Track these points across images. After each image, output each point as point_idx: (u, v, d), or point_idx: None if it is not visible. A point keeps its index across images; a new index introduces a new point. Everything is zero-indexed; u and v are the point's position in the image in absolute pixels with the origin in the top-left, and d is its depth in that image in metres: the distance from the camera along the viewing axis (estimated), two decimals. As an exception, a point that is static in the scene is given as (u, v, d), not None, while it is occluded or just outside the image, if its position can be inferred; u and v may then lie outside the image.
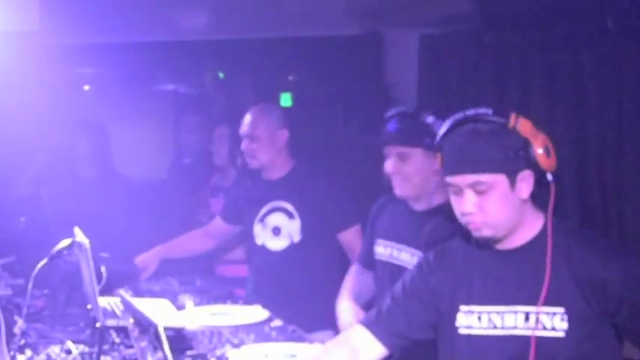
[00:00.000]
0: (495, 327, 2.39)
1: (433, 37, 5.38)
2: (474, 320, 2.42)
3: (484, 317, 2.41)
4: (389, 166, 3.14)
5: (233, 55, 6.32)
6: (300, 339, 3.23)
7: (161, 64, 6.47)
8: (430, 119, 3.06)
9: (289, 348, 3.07)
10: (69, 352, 3.04)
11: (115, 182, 4.88)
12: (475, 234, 2.40)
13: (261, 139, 4.07)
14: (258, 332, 3.32)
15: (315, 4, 5.62)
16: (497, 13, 4.65)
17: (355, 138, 5.78)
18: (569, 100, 4.54)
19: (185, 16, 5.55)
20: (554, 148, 2.36)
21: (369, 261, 3.44)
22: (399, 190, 3.17)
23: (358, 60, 5.91)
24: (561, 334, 2.29)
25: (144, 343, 2.30)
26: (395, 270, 3.22)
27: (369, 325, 2.59)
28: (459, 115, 2.40)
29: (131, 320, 2.50)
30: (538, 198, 2.41)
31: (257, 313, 3.52)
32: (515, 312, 2.36)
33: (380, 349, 2.55)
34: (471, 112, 2.39)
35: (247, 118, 4.13)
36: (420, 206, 3.18)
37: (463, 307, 2.45)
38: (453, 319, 2.46)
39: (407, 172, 3.11)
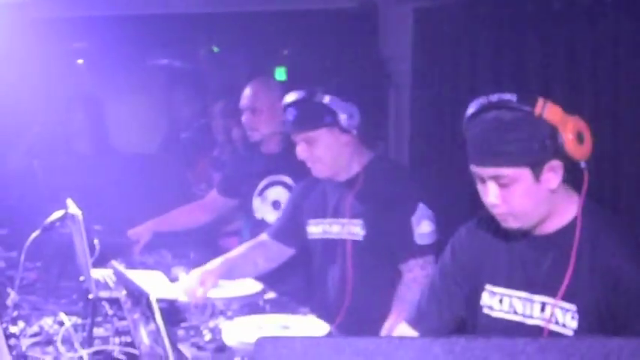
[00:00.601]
0: (515, 312, 2.33)
1: (427, 10, 5.36)
2: (496, 302, 2.37)
3: (505, 300, 2.35)
4: (299, 152, 3.22)
5: (227, 29, 6.29)
6: (293, 311, 3.23)
7: (155, 38, 6.43)
8: (326, 98, 3.11)
9: (282, 319, 3.07)
10: (62, 323, 3.03)
11: (109, 156, 4.86)
12: (503, 224, 2.30)
13: (263, 112, 4.06)
14: (252, 304, 3.33)
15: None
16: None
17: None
18: (564, 74, 4.52)
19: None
20: (589, 132, 2.21)
21: (279, 234, 3.52)
22: (316, 172, 3.27)
23: (353, 34, 5.88)
24: (570, 332, 2.20)
25: (136, 315, 2.29)
26: (329, 244, 3.35)
27: (414, 324, 2.57)
28: (482, 101, 2.23)
29: (124, 292, 2.50)
30: (573, 181, 2.28)
31: (250, 285, 3.51)
32: (533, 301, 2.29)
33: None
34: (494, 97, 2.21)
35: (248, 91, 4.11)
36: (341, 178, 3.28)
37: (488, 287, 2.40)
38: (479, 297, 2.42)
39: (317, 154, 3.20)
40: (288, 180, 3.96)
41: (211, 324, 3.02)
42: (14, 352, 2.84)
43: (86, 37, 6.54)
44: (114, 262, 2.59)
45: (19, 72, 5.50)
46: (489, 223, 2.41)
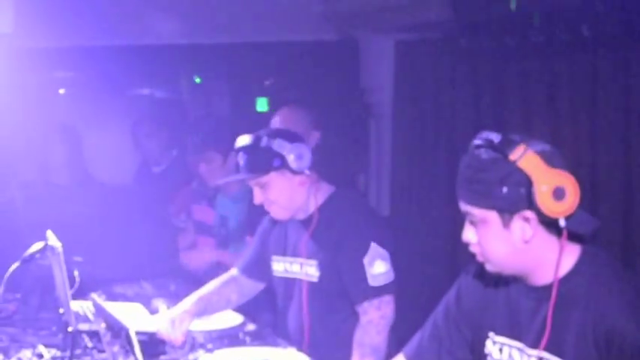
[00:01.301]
0: None
1: (409, 43, 5.40)
2: (496, 351, 2.30)
3: (505, 350, 2.27)
4: (255, 197, 3.19)
5: (209, 60, 6.32)
6: (273, 343, 3.22)
7: (137, 68, 6.44)
8: (273, 142, 3.04)
9: (263, 353, 3.06)
10: (40, 356, 3.01)
11: (89, 187, 4.84)
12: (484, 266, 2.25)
13: None
14: (232, 337, 3.31)
15: (292, 10, 5.61)
16: (471, 19, 4.68)
17: (332, 142, 5.77)
18: (543, 106, 4.56)
19: (161, 20, 5.53)
20: (575, 189, 2.07)
21: (248, 270, 3.47)
22: (274, 215, 3.24)
23: (335, 65, 5.93)
24: None
25: (116, 348, 2.28)
26: (289, 283, 3.30)
27: (411, 356, 2.52)
28: (477, 138, 2.16)
29: (103, 325, 2.49)
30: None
31: (231, 318, 3.50)
32: (529, 355, 2.20)
33: None
34: (483, 135, 2.14)
35: (277, 118, 4.12)
36: (300, 217, 3.23)
37: (491, 334, 2.33)
38: (483, 344, 2.35)
39: (271, 198, 3.16)
40: None
41: (191, 357, 3.01)
42: (-8, 386, 2.83)
43: (68, 66, 6.55)
44: (93, 295, 2.58)
45: (1, 101, 5.48)
46: (488, 273, 2.29)
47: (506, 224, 2.09)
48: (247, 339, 3.29)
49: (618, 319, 2.02)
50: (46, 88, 6.78)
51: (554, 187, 2.04)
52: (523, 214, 2.08)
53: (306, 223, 3.21)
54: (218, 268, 3.96)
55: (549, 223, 2.08)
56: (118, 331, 2.09)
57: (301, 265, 3.22)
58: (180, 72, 6.75)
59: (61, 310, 3.15)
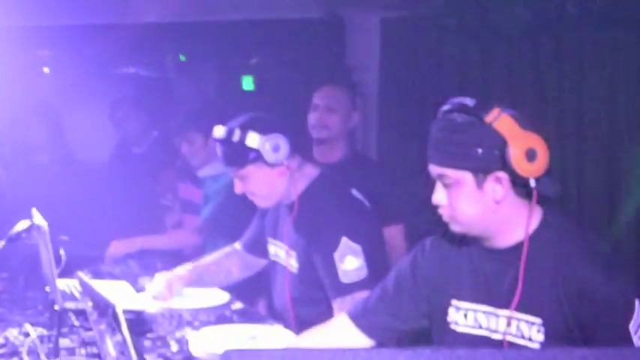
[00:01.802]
0: (480, 327, 2.30)
1: (394, 20, 5.39)
2: (461, 317, 2.34)
3: (470, 315, 2.32)
4: (235, 187, 3.15)
5: (195, 38, 6.28)
6: (260, 321, 3.23)
7: (122, 46, 6.40)
8: (247, 136, 3.00)
9: (249, 330, 3.06)
10: (27, 334, 3.00)
11: (71, 167, 4.83)
12: (450, 227, 2.28)
13: (336, 111, 4.09)
14: (219, 315, 3.32)
15: (278, -13, 5.61)
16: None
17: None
18: (528, 83, 4.57)
19: (146, -3, 5.51)
20: (545, 151, 2.15)
21: (250, 247, 3.45)
22: (257, 204, 3.21)
23: (321, 43, 5.91)
24: (536, 345, 2.16)
25: (102, 326, 2.28)
26: (277, 267, 3.27)
27: (354, 316, 2.55)
28: (448, 103, 2.23)
29: (90, 303, 2.48)
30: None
31: (218, 295, 3.50)
32: (497, 315, 2.25)
33: (366, 342, 2.51)
34: (456, 100, 2.21)
35: (324, 91, 4.16)
36: (286, 201, 3.18)
37: (454, 301, 2.36)
38: (445, 312, 2.38)
39: (252, 189, 3.12)
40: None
41: (178, 334, 3.01)
42: (-21, 364, 2.83)
43: (52, 45, 6.51)
44: (80, 273, 2.57)
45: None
46: (452, 237, 2.36)
47: (479, 184, 2.17)
48: (234, 317, 3.30)
49: (588, 274, 2.10)
50: (30, 67, 6.75)
51: (526, 148, 2.11)
52: (496, 175, 2.14)
53: (290, 209, 3.15)
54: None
55: (519, 185, 2.15)
56: (104, 309, 2.09)
57: (286, 252, 3.17)
58: (165, 50, 6.70)
59: (48, 289, 3.16)
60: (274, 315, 3.27)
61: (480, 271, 2.31)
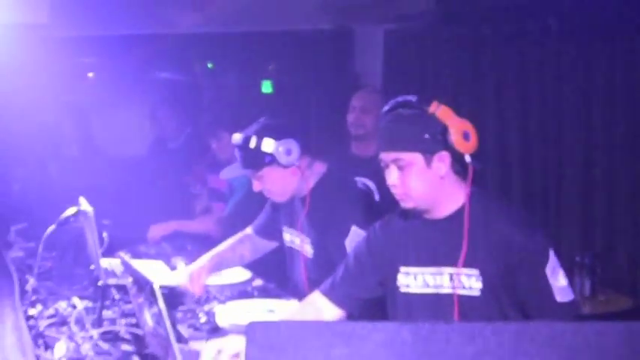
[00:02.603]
0: (428, 286, 2.41)
1: (396, 31, 5.37)
2: (411, 280, 2.45)
3: (419, 277, 2.43)
4: (254, 186, 3.14)
5: (220, 47, 6.28)
6: (277, 296, 3.23)
7: (156, 54, 6.41)
8: (262, 142, 2.97)
9: (268, 304, 3.07)
10: (75, 306, 3.01)
11: (112, 160, 4.84)
12: (401, 205, 2.40)
13: (371, 111, 4.11)
14: (242, 290, 3.32)
15: (293, 2, 5.58)
16: (452, 10, 4.66)
17: (328, 119, 5.76)
18: (513, 88, 4.57)
19: (178, 11, 5.50)
20: (475, 133, 2.32)
21: (262, 231, 3.42)
22: (274, 200, 3.20)
23: (331, 51, 5.90)
24: (477, 293, 2.32)
25: (141, 299, 2.28)
26: (294, 253, 3.25)
27: (325, 292, 2.60)
28: (390, 103, 2.37)
29: (130, 279, 2.49)
30: (464, 173, 2.37)
31: (240, 273, 3.50)
32: (442, 273, 2.38)
33: (337, 311, 2.57)
34: (399, 99, 2.35)
35: (360, 94, 4.23)
36: (300, 195, 3.16)
37: (402, 269, 2.47)
38: (395, 278, 2.48)
39: (268, 187, 3.10)
40: (371, 184, 3.57)
41: (206, 308, 3.02)
42: (33, 332, 2.83)
43: (95, 53, 6.52)
44: (121, 254, 2.57)
45: (39, 83, 5.47)
46: (398, 217, 2.51)
47: (428, 163, 2.30)
48: (255, 292, 3.30)
49: (510, 231, 2.29)
50: (76, 72, 6.76)
51: (463, 130, 2.29)
52: (440, 155, 2.30)
53: (303, 202, 3.14)
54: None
55: (457, 162, 2.32)
56: (143, 285, 2.09)
57: (301, 240, 3.16)
58: (194, 58, 6.70)
59: (92, 267, 3.16)
60: (291, 292, 3.27)
61: (424, 239, 2.43)
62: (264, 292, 3.30)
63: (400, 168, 2.31)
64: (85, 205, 3.00)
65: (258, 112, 3.24)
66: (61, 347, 2.61)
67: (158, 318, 2.06)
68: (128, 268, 2.50)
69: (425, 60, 5.13)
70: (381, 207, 3.14)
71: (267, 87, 6.53)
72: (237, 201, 4.12)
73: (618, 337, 1.44)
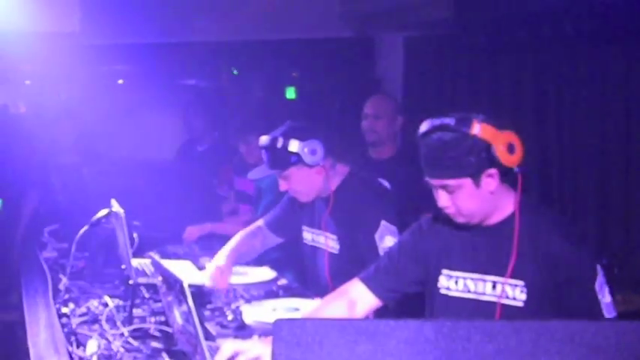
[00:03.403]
0: (469, 291, 2.37)
1: (416, 39, 5.36)
2: (452, 283, 2.41)
3: (460, 282, 2.39)
4: (280, 185, 3.15)
5: (245, 55, 6.30)
6: (301, 295, 3.23)
7: (184, 61, 6.44)
8: (289, 143, 2.99)
9: (293, 303, 3.06)
10: (106, 305, 3.03)
11: (142, 163, 4.85)
12: (454, 220, 2.36)
13: (382, 118, 4.16)
14: (267, 289, 3.32)
15: (315, 11, 5.59)
16: (470, 19, 4.64)
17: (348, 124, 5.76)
18: (531, 95, 4.54)
19: (205, 20, 5.53)
20: (519, 142, 2.24)
21: (274, 226, 3.44)
22: (299, 199, 3.21)
23: (352, 59, 5.90)
24: (520, 304, 2.27)
25: (170, 298, 2.29)
26: (318, 252, 3.26)
27: (366, 280, 2.56)
28: (426, 126, 2.28)
29: (159, 278, 2.49)
30: (511, 182, 2.32)
31: (266, 273, 3.51)
32: (485, 280, 2.33)
33: (374, 301, 2.53)
34: (437, 122, 2.26)
35: (371, 101, 4.24)
36: (323, 195, 3.18)
37: (445, 271, 2.43)
38: (436, 279, 2.45)
39: (294, 187, 3.13)
40: (387, 185, 3.55)
41: (233, 306, 3.02)
42: (65, 330, 2.85)
43: (125, 60, 6.56)
44: (152, 254, 2.57)
45: (71, 90, 5.51)
46: (445, 218, 2.42)
47: (477, 184, 2.24)
48: (280, 291, 3.30)
49: (560, 245, 2.22)
50: (107, 79, 6.80)
51: (507, 144, 2.21)
52: (488, 172, 2.23)
53: (326, 202, 3.16)
54: None
55: (505, 174, 2.25)
56: (172, 283, 2.10)
57: (325, 237, 3.17)
58: (220, 65, 6.72)
59: (123, 266, 3.18)
60: (314, 290, 3.27)
61: (470, 245, 2.38)
62: (288, 292, 3.30)
63: (450, 192, 2.26)
64: (116, 206, 3.02)
65: (283, 116, 3.25)
66: (92, 344, 2.62)
67: (187, 316, 2.07)
68: (158, 268, 2.50)
69: (444, 67, 5.12)
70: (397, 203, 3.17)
71: (290, 93, 6.54)
72: (266, 203, 4.12)
73: (636, 336, 1.43)
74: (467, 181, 2.23)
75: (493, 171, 2.23)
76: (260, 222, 3.48)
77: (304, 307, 2.97)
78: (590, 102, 4.18)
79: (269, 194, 4.13)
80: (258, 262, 3.65)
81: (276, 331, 1.45)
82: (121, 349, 2.58)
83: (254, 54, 6.22)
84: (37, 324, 3.26)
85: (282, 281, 3.43)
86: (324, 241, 3.18)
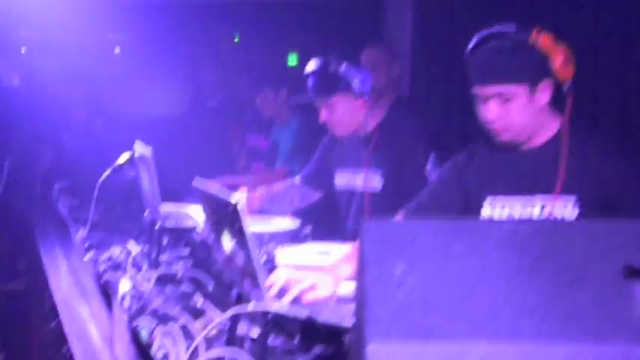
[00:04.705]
0: (515, 216, 2.32)
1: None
2: (497, 210, 2.36)
3: (506, 208, 2.34)
4: (320, 116, 3.07)
5: (246, 19, 6.16)
6: (331, 240, 3.12)
7: (184, 27, 6.29)
8: (340, 67, 2.93)
9: (323, 247, 2.96)
10: (129, 252, 2.91)
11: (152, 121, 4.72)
12: (497, 139, 2.30)
13: (380, 69, 4.01)
14: (294, 236, 3.21)
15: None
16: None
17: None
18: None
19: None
20: (573, 59, 2.21)
21: (309, 180, 3.36)
22: (336, 133, 3.13)
23: (357, 22, 5.76)
24: None
25: (218, 224, 2.10)
26: (353, 195, 3.18)
27: (411, 210, 2.55)
28: (484, 32, 2.24)
29: (205, 206, 2.26)
30: (556, 103, 2.29)
31: (289, 221, 3.40)
32: (533, 202, 2.28)
33: None
34: (495, 29, 2.21)
35: (366, 53, 4.10)
36: (361, 134, 3.12)
37: (489, 198, 2.38)
38: (479, 208, 2.40)
39: (336, 118, 3.04)
40: None
41: (263, 250, 2.91)
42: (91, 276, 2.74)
43: (122, 28, 6.42)
44: (195, 181, 2.34)
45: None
46: (484, 146, 2.42)
47: (532, 94, 2.20)
48: (308, 238, 3.19)
49: (609, 161, 2.19)
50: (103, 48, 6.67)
51: (564, 57, 2.18)
52: (544, 83, 2.21)
53: (367, 139, 3.09)
54: None
55: (557, 89, 2.22)
56: (221, 207, 1.94)
57: (364, 177, 3.08)
58: (221, 30, 6.57)
59: (146, 213, 3.04)
60: (344, 236, 3.17)
61: (514, 168, 2.34)
62: (316, 238, 3.19)
63: (503, 102, 2.21)
64: (140, 147, 2.88)
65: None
66: (124, 284, 2.50)
67: (238, 240, 1.94)
68: (202, 193, 2.25)
69: (454, 26, 4.99)
70: None
71: (292, 59, 6.41)
72: (285, 156, 4.01)
73: None
74: (523, 89, 2.19)
75: (548, 83, 2.21)
76: (296, 179, 3.39)
77: (336, 251, 2.86)
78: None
79: (285, 145, 4.02)
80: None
81: (365, 233, 1.34)
82: (152, 293, 2.46)
83: (256, 18, 6.08)
84: (59, 271, 3.15)
85: (308, 229, 3.31)
86: (364, 180, 3.10)
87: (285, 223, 3.35)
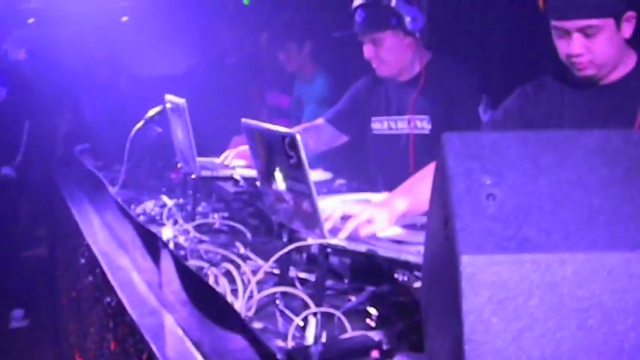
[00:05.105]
0: None
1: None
2: None
3: None
4: (365, 52, 2.97)
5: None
6: (366, 190, 3.06)
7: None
8: (393, 1, 2.83)
9: (362, 196, 2.90)
10: (164, 205, 2.86)
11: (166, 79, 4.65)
12: (579, 74, 2.20)
13: None
14: (329, 188, 3.16)
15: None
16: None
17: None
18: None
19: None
20: None
21: (336, 119, 3.25)
22: (380, 71, 3.03)
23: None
24: None
25: (269, 163, 2.03)
26: (392, 139, 3.10)
27: None
28: None
29: (257, 142, 2.15)
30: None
31: (323, 174, 3.34)
32: None
33: None
34: None
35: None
36: (403, 77, 3.04)
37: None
38: None
39: (382, 55, 2.95)
40: None
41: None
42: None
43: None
44: (244, 120, 2.21)
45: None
46: (553, 80, 2.31)
47: (618, 26, 2.12)
48: (343, 188, 3.14)
49: None
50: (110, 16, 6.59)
51: None
52: (629, 15, 2.13)
53: (412, 82, 3.00)
54: None
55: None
56: (277, 139, 1.87)
57: (409, 121, 3.00)
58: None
59: (180, 165, 2.99)
60: (381, 185, 3.12)
61: (585, 105, 2.24)
62: (351, 188, 3.14)
63: (588, 35, 2.12)
64: (173, 99, 2.82)
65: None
66: (167, 230, 2.46)
67: (292, 177, 1.89)
68: (254, 131, 2.11)
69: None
70: None
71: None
72: (310, 112, 3.93)
73: None
74: (610, 22, 2.10)
75: (632, 14, 2.12)
76: (320, 120, 3.29)
77: (375, 199, 2.81)
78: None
79: (310, 102, 3.95)
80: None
81: (449, 144, 1.29)
82: (192, 239, 2.42)
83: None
84: (92, 225, 3.10)
85: (340, 181, 3.26)
86: (406, 125, 3.02)
87: (317, 175, 3.29)
